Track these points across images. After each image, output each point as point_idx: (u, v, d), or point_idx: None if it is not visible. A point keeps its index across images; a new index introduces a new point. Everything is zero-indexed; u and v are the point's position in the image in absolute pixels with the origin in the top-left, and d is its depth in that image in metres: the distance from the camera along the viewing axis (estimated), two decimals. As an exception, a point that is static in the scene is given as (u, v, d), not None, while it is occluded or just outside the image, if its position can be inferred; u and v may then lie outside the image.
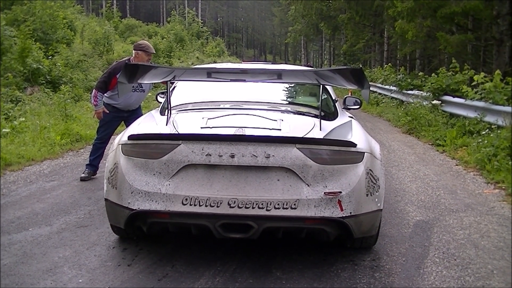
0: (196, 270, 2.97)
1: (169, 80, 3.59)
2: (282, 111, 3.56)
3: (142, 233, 3.17)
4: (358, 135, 3.19)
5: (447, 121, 8.94)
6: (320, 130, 3.15)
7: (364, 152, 2.94)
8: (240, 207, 2.74)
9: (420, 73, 13.34)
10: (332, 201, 2.77)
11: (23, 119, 7.86)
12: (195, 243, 3.38)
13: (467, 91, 8.52)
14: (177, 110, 3.61)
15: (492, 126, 6.97)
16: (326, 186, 2.79)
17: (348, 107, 4.59)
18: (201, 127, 3.08)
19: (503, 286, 2.88)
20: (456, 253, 3.33)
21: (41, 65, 11.40)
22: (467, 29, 14.26)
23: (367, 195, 2.89)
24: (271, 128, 3.06)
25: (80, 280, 2.84)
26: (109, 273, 2.94)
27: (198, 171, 2.83)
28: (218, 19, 76.04)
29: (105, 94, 5.15)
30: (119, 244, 3.41)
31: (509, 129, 6.21)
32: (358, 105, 4.63)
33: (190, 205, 2.77)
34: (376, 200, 2.96)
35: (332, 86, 3.97)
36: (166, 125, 3.29)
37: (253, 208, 2.73)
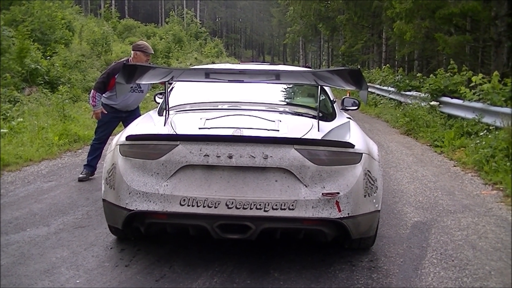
0: (194, 270, 2.97)
1: (167, 81, 3.59)
2: (280, 112, 3.56)
3: (140, 234, 3.16)
4: (356, 136, 3.19)
5: (445, 122, 8.94)
6: (318, 131, 3.15)
7: (362, 153, 2.94)
8: (238, 208, 2.73)
9: (418, 74, 13.33)
10: (330, 202, 2.77)
11: (21, 119, 7.84)
12: (193, 243, 3.38)
13: (465, 92, 8.51)
14: (175, 110, 3.61)
15: (490, 127, 6.98)
16: (324, 187, 2.79)
17: (346, 108, 4.58)
18: (199, 128, 3.07)
19: (501, 287, 2.88)
20: (454, 254, 3.34)
21: (39, 66, 11.40)
22: (466, 30, 14.28)
23: (365, 196, 2.89)
24: (269, 129, 3.06)
25: (78, 281, 2.84)
26: (107, 274, 2.94)
27: (196, 172, 2.83)
28: (217, 20, 76.07)
29: (103, 95, 5.14)
30: (117, 244, 3.41)
31: (507, 130, 6.21)
32: (356, 106, 4.62)
33: (188, 205, 2.76)
34: (374, 201, 2.96)
35: (330, 87, 3.97)
36: (164, 125, 3.28)
37: (251, 209, 2.73)
